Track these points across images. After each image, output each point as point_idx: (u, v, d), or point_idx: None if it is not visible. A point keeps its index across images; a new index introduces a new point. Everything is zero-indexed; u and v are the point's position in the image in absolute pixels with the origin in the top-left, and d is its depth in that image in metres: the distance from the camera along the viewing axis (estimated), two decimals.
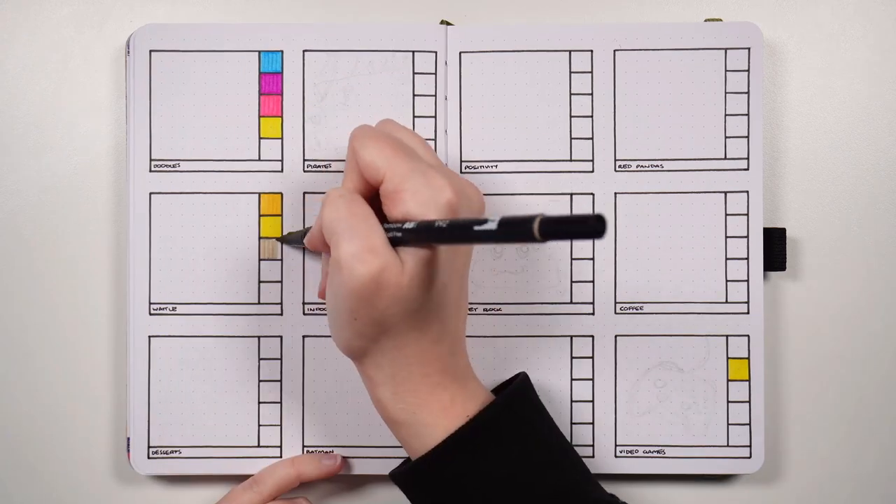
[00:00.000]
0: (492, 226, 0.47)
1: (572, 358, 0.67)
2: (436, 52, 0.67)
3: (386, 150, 0.55)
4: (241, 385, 0.67)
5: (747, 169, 0.67)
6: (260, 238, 0.67)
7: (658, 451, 0.67)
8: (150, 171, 0.67)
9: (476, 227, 0.48)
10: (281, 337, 0.67)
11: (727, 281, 0.67)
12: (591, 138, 0.67)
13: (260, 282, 0.67)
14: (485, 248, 0.67)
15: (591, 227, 0.43)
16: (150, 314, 0.67)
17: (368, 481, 0.69)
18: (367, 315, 0.54)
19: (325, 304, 0.63)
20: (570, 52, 0.67)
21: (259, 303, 0.67)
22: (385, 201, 0.55)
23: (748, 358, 0.67)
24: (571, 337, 0.67)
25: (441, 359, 0.57)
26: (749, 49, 0.67)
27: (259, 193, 0.67)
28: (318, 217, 0.57)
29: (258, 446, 0.67)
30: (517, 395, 0.60)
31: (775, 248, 0.67)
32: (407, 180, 0.54)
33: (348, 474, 0.67)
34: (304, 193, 0.67)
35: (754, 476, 0.68)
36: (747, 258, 0.67)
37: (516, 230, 0.46)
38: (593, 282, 0.67)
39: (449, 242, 0.53)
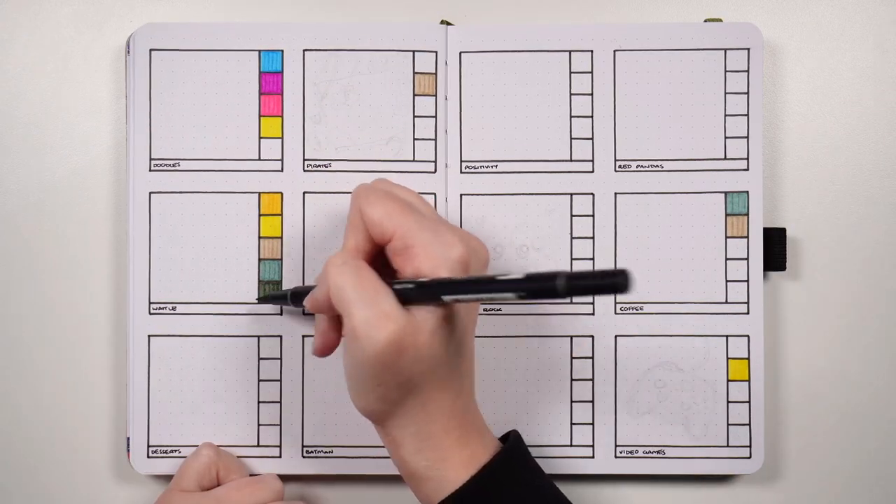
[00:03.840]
0: (515, 280, 0.48)
1: (572, 358, 0.67)
2: (436, 52, 0.67)
3: (393, 207, 0.55)
4: (241, 385, 0.67)
5: (747, 169, 0.67)
6: (260, 238, 0.67)
7: (658, 452, 0.67)
8: (150, 170, 0.67)
9: (499, 278, 0.49)
10: (280, 336, 0.67)
11: (727, 281, 0.67)
12: (591, 138, 0.67)
13: (260, 281, 0.67)
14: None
15: (616, 280, 0.44)
16: (150, 313, 0.67)
17: (368, 481, 0.69)
18: (391, 380, 0.54)
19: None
20: (570, 52, 0.67)
21: (259, 302, 0.67)
22: (395, 259, 0.55)
23: (748, 358, 0.67)
24: (571, 337, 0.67)
25: (461, 412, 0.57)
26: (749, 49, 0.67)
27: (259, 193, 0.67)
28: (319, 281, 0.57)
29: (258, 446, 0.67)
30: (518, 445, 0.60)
31: (775, 248, 0.67)
32: (417, 237, 0.54)
33: (348, 474, 0.67)
34: (304, 193, 0.67)
35: (754, 476, 0.68)
36: (747, 258, 0.67)
37: (539, 286, 0.47)
38: None
39: (469, 296, 0.53)
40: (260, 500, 0.64)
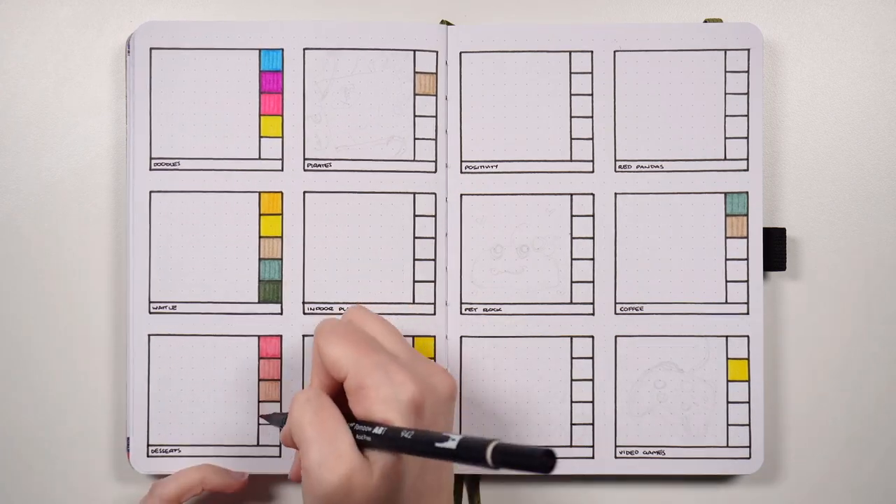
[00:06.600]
0: (451, 445, 0.49)
1: (572, 358, 0.67)
2: (436, 52, 0.67)
3: (349, 345, 0.56)
4: (241, 384, 0.67)
5: (747, 169, 0.67)
6: (261, 237, 0.67)
7: (658, 452, 0.67)
8: (151, 169, 0.67)
9: (437, 444, 0.50)
10: (281, 336, 0.67)
11: (727, 281, 0.67)
12: (591, 138, 0.67)
13: (260, 280, 0.67)
14: (484, 246, 0.67)
15: (540, 461, 0.46)
16: (150, 313, 0.66)
17: None
18: None
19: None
20: (570, 52, 0.67)
21: (259, 302, 0.67)
22: (349, 398, 0.55)
23: (748, 358, 0.67)
24: (571, 337, 0.67)
25: None
26: (749, 50, 0.67)
27: (259, 192, 0.67)
28: (289, 414, 0.57)
29: (258, 445, 0.67)
30: None
31: (775, 248, 0.68)
32: (369, 376, 0.54)
33: None
34: (305, 192, 0.67)
35: (754, 476, 0.68)
36: (747, 258, 0.67)
37: (472, 453, 0.48)
38: (593, 282, 0.67)
39: (411, 453, 0.53)
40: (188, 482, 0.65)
